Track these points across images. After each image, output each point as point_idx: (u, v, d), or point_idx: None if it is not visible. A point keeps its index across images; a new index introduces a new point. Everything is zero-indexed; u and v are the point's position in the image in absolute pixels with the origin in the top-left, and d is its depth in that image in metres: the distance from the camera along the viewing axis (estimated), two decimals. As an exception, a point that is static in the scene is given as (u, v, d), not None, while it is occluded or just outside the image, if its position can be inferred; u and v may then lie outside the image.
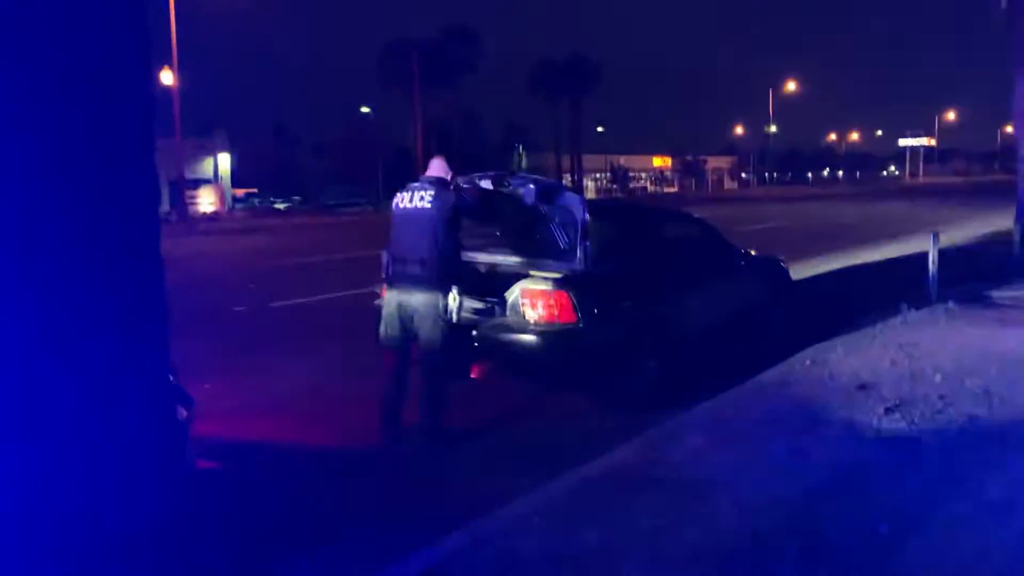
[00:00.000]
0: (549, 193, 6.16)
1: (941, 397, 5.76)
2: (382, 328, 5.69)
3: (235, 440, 5.77)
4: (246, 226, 36.30)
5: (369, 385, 5.95)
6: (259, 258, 19.70)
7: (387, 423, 5.65)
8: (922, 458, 4.71)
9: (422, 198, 5.57)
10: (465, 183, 6.18)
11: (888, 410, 5.51)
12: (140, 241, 3.35)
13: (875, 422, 5.31)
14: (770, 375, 6.60)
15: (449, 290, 5.52)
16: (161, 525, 3.43)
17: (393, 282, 5.59)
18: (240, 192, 58.88)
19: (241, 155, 57.68)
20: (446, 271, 5.51)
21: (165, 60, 35.04)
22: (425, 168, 5.87)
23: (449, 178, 5.77)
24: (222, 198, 50.67)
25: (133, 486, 3.19)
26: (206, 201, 49.12)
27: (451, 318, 5.57)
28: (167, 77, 35.43)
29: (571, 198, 6.15)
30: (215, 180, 52.32)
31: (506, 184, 6.20)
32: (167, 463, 3.56)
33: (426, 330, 5.50)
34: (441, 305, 5.49)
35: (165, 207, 44.96)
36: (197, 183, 49.85)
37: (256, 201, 58.75)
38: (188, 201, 41.15)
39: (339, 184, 61.33)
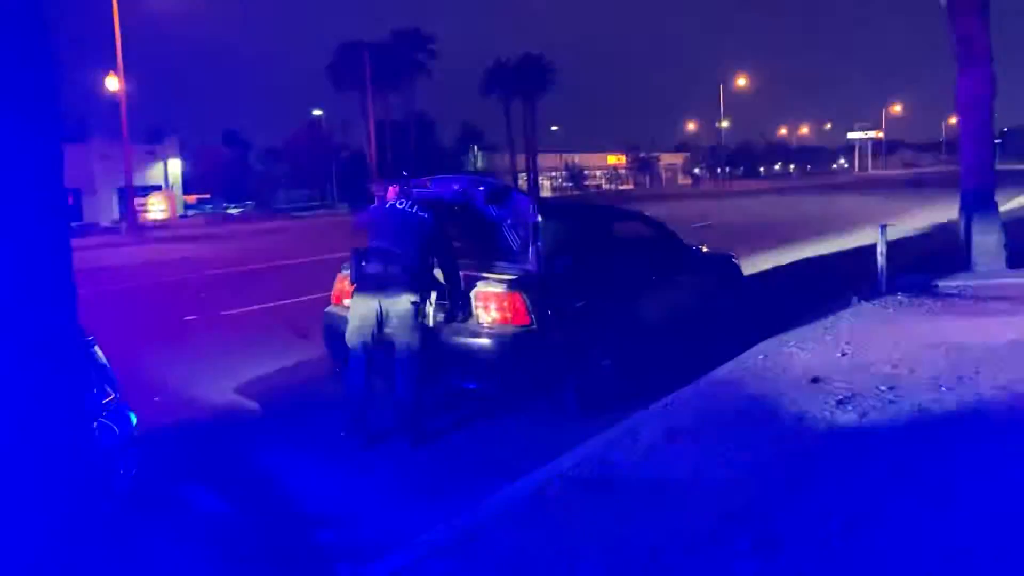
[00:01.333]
0: (499, 195, 6.14)
1: (892, 388, 5.84)
2: (353, 330, 5.61)
3: (185, 450, 5.67)
4: (198, 233, 35.76)
5: (328, 392, 5.89)
6: (210, 266, 19.40)
7: (354, 428, 5.60)
8: (874, 450, 4.76)
9: (412, 207, 5.60)
10: (416, 188, 6.15)
11: (840, 403, 5.57)
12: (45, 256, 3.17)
13: (828, 415, 5.36)
14: (723, 371, 6.64)
15: (428, 295, 5.52)
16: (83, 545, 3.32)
17: (370, 286, 5.52)
18: (192, 198, 58.04)
19: (193, 160, 56.88)
20: (425, 274, 5.52)
21: (110, 65, 34.45)
22: (382, 182, 5.92)
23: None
24: (173, 205, 49.89)
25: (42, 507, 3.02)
26: (157, 208, 48.31)
27: (428, 322, 5.57)
28: (113, 83, 34.81)
29: (521, 200, 6.14)
30: (166, 187, 51.51)
31: (459, 192, 6.19)
32: (86, 481, 3.43)
33: (405, 334, 5.48)
34: (422, 308, 5.48)
35: (115, 215, 44.25)
36: (147, 190, 49.03)
37: (209, 207, 57.97)
38: (138, 209, 40.44)
39: (293, 188, 60.83)
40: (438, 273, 5.94)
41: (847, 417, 5.31)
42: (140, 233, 34.35)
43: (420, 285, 5.53)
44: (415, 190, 6.08)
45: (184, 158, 54.24)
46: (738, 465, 4.58)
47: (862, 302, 9.07)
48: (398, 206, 5.74)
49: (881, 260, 10.01)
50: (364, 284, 5.56)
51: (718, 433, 5.12)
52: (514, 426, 6.07)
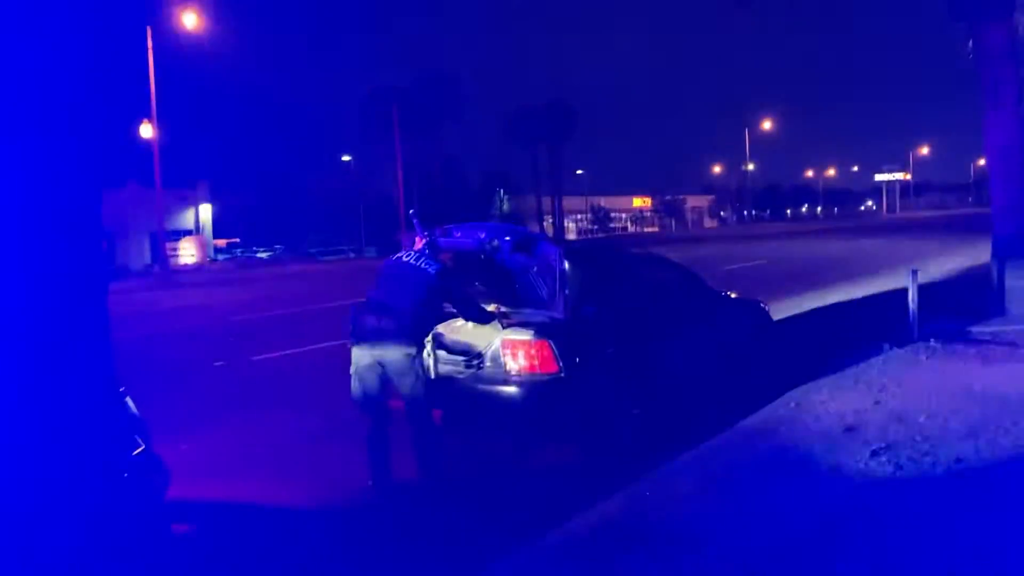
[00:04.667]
0: (525, 244, 6.16)
1: (926, 439, 5.74)
2: (356, 386, 5.61)
3: (216, 502, 5.67)
4: (228, 277, 36.15)
5: (355, 439, 5.88)
6: (240, 310, 19.57)
7: (376, 476, 5.59)
8: (909, 503, 4.67)
9: (427, 263, 5.63)
10: (441, 237, 6.18)
11: (874, 453, 5.47)
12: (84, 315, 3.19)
13: (862, 466, 5.27)
14: (755, 420, 6.56)
15: (423, 345, 5.51)
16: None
17: (364, 338, 5.53)
18: (222, 242, 58.84)
19: (223, 205, 57.69)
20: (420, 328, 5.51)
21: (145, 112, 35.16)
22: (409, 226, 5.95)
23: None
24: (203, 249, 50.54)
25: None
26: (187, 252, 48.99)
27: (429, 373, 5.56)
28: (147, 130, 35.51)
29: (547, 247, 6.15)
30: (197, 231, 52.26)
31: (485, 241, 6.21)
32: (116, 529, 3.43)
33: (407, 386, 5.46)
34: (419, 360, 5.47)
35: (147, 260, 44.92)
36: (179, 234, 49.78)
37: (239, 251, 58.69)
38: (170, 253, 41.01)
39: (321, 232, 61.43)
40: (457, 322, 5.97)
41: (881, 469, 5.22)
42: (170, 277, 34.80)
43: (415, 337, 5.52)
44: (440, 239, 6.10)
45: (215, 203, 55.08)
46: (771, 518, 4.50)
47: (894, 348, 8.95)
48: (403, 259, 5.75)
49: (912, 305, 9.89)
50: (359, 338, 5.55)
51: (750, 485, 5.05)
52: (541, 476, 6.01)
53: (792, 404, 6.91)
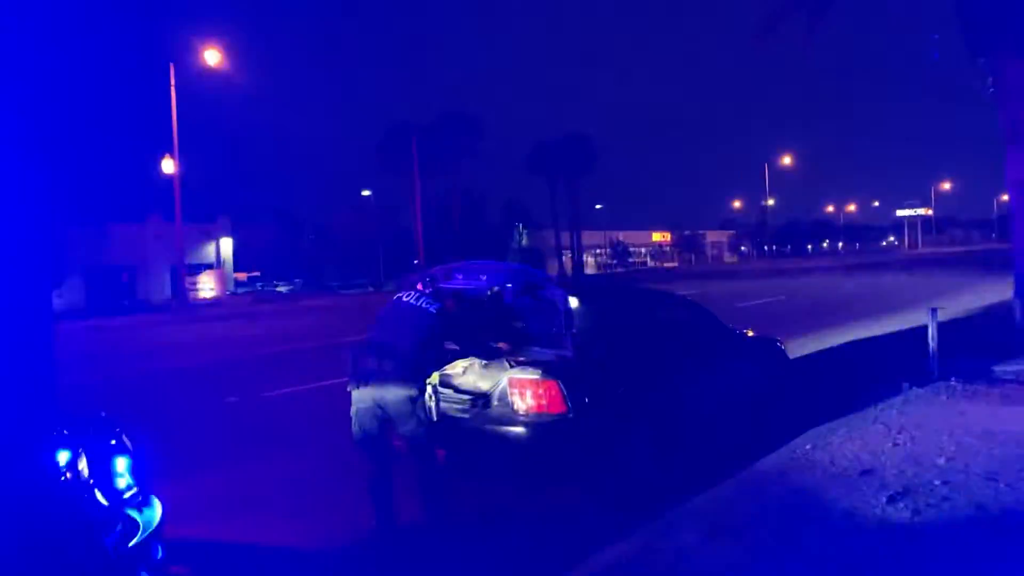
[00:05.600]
0: (529, 288, 6.08)
1: (946, 483, 5.57)
2: (357, 427, 5.52)
3: (217, 542, 5.59)
4: (246, 311, 36.26)
5: (360, 479, 5.79)
6: (257, 344, 19.57)
7: (379, 518, 5.50)
8: (927, 552, 4.52)
9: (427, 302, 5.58)
10: (442, 279, 6.12)
11: (892, 498, 5.32)
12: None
13: (879, 512, 5.12)
14: (769, 462, 6.41)
15: (424, 386, 5.44)
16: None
17: (364, 379, 5.44)
18: (243, 276, 59.14)
19: (244, 239, 58.09)
20: (421, 368, 5.44)
21: (167, 149, 35.59)
22: (414, 275, 5.92)
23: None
24: (223, 283, 50.81)
25: None
26: (207, 286, 49.21)
27: (431, 414, 5.49)
28: (168, 165, 35.92)
29: (553, 289, 6.07)
30: (217, 265, 52.57)
31: (487, 286, 6.15)
32: None
33: (409, 427, 5.37)
34: (420, 402, 5.39)
35: (167, 293, 45.17)
36: (199, 268, 50.08)
37: (259, 285, 59.00)
38: (189, 287, 41.26)
39: (341, 266, 61.70)
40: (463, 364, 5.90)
41: (899, 514, 5.06)
42: (189, 311, 34.93)
43: (416, 378, 5.44)
44: (442, 284, 6.04)
45: (236, 237, 55.44)
46: (784, 567, 4.36)
47: (913, 388, 8.77)
48: (404, 299, 5.70)
49: (932, 344, 9.71)
50: (360, 379, 5.47)
51: (763, 531, 4.90)
52: (549, 518, 5.89)
53: (808, 446, 6.76)
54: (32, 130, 2.98)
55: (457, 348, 5.98)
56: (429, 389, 5.56)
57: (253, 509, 6.29)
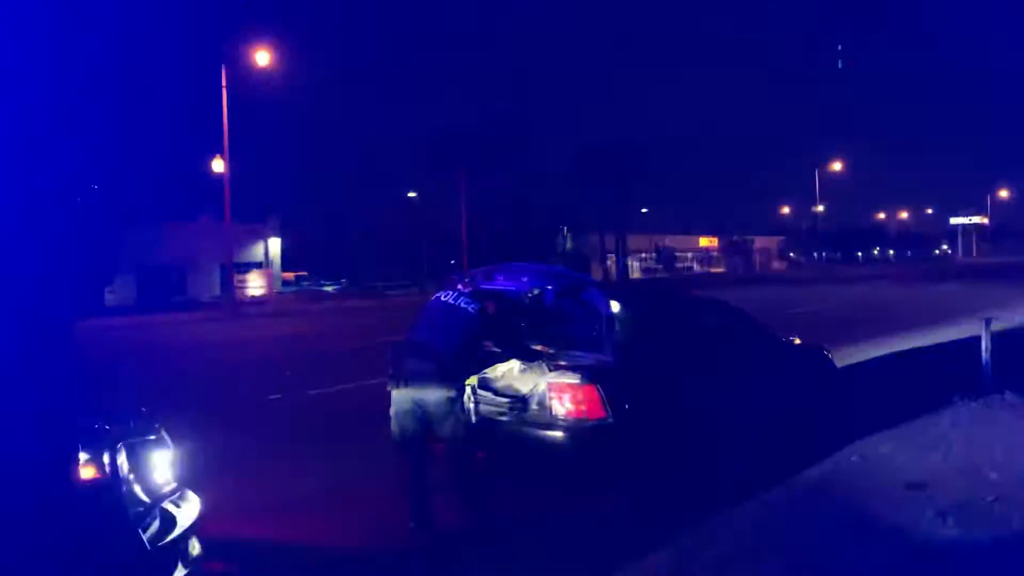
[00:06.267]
0: (571, 290, 6.03)
1: (997, 499, 5.40)
2: (396, 428, 5.52)
3: (255, 539, 5.62)
4: (292, 309, 36.69)
5: (400, 480, 5.79)
6: (302, 343, 19.76)
7: (417, 520, 5.49)
8: (978, 570, 4.37)
9: (466, 302, 5.56)
10: (483, 281, 6.10)
11: (940, 514, 5.16)
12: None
13: (926, 527, 4.97)
14: (813, 473, 6.27)
15: (463, 387, 5.41)
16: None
17: (403, 379, 5.44)
18: (290, 275, 59.85)
19: (292, 239, 58.76)
20: (460, 369, 5.41)
21: (217, 149, 36.14)
22: (454, 276, 5.92)
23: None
24: (271, 282, 51.42)
25: None
26: (255, 285, 49.87)
27: (470, 416, 5.45)
28: (219, 165, 36.46)
29: (595, 292, 6.01)
30: (265, 264, 53.22)
31: (528, 287, 6.12)
32: None
33: (448, 428, 5.35)
34: (458, 403, 5.36)
35: (216, 291, 45.88)
36: (248, 267, 50.76)
37: (306, 283, 59.63)
38: (238, 285, 41.82)
39: (386, 267, 62.13)
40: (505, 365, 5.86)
41: (948, 531, 4.91)
42: (237, 309, 35.37)
43: (456, 379, 5.41)
44: (482, 284, 6.02)
45: (284, 236, 56.10)
46: (825, 582, 4.25)
47: (965, 400, 8.52)
48: (443, 299, 5.68)
49: (986, 355, 9.45)
50: (399, 379, 5.46)
51: (805, 545, 4.79)
52: (585, 525, 5.81)
53: (854, 457, 6.60)
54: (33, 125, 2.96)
55: (497, 350, 5.94)
56: (468, 390, 5.53)
57: (292, 508, 6.31)
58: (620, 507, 6.02)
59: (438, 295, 5.78)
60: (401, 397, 5.44)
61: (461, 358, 5.44)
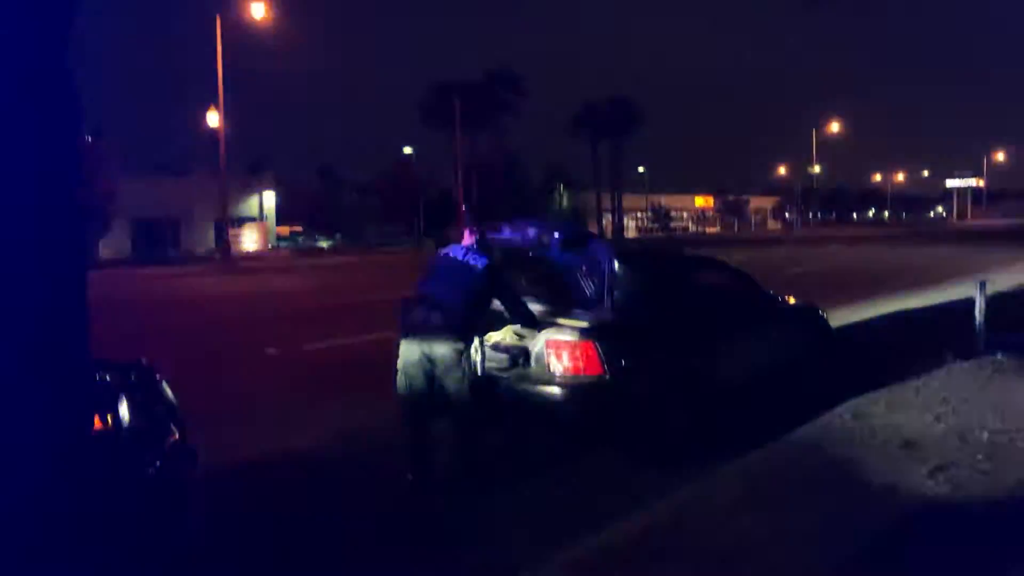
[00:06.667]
0: (575, 241, 6.03)
1: (989, 458, 5.46)
2: (402, 380, 5.55)
3: (253, 487, 5.67)
4: (287, 265, 36.66)
5: (397, 435, 5.83)
6: (296, 297, 19.76)
7: (416, 475, 5.54)
8: (969, 528, 4.43)
9: (474, 259, 5.56)
10: (490, 232, 6.09)
11: (932, 472, 5.22)
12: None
13: (918, 485, 5.03)
14: (807, 431, 6.32)
15: (471, 341, 5.43)
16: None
17: (413, 331, 5.47)
18: (285, 230, 59.71)
19: (287, 194, 58.56)
20: (469, 323, 5.42)
21: (211, 101, 35.81)
22: (463, 219, 5.87)
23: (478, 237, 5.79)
24: (265, 236, 51.33)
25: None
26: (250, 239, 49.80)
27: (476, 370, 5.47)
28: (213, 119, 36.16)
29: (598, 246, 6.02)
30: (260, 219, 53.05)
31: (534, 237, 6.11)
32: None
33: (453, 382, 5.38)
34: (465, 356, 5.39)
35: (211, 245, 45.80)
36: (242, 222, 50.61)
37: (300, 239, 59.51)
38: (232, 239, 41.76)
39: (381, 223, 62.02)
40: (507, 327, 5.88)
41: (939, 489, 4.97)
42: (231, 263, 35.33)
43: (464, 333, 5.43)
44: (489, 234, 6.01)
45: (278, 191, 55.90)
46: (819, 538, 4.31)
47: (958, 361, 8.58)
48: (451, 254, 5.68)
49: (979, 317, 9.49)
50: (408, 331, 5.49)
51: (798, 501, 4.85)
52: (582, 479, 5.87)
53: (848, 416, 6.66)
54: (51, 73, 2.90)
55: (502, 311, 5.94)
56: (476, 343, 5.54)
57: (289, 457, 6.37)
58: (617, 462, 6.08)
59: (446, 250, 5.77)
60: (410, 349, 5.47)
61: (470, 312, 5.46)
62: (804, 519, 4.55)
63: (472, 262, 5.58)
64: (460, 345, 5.38)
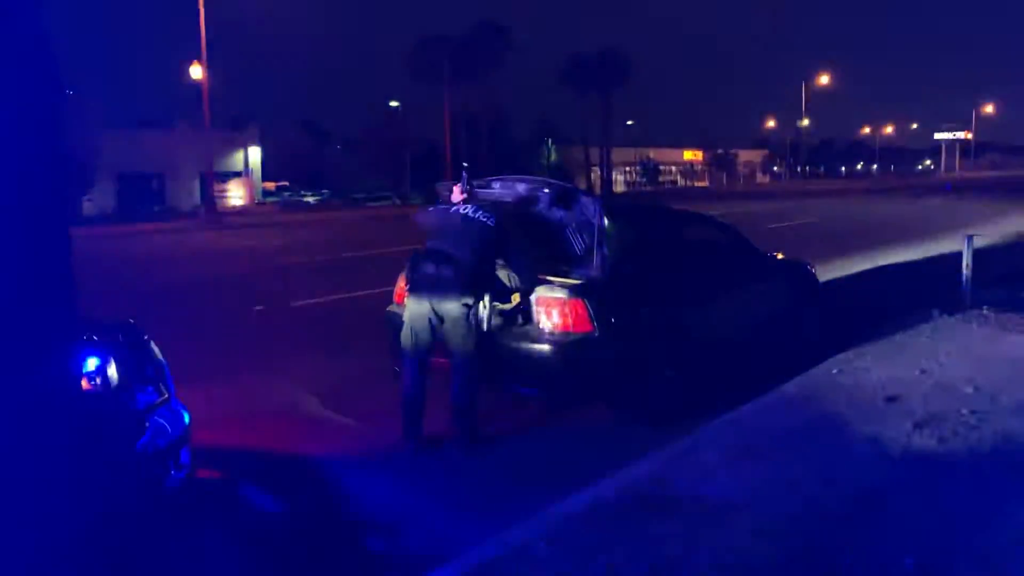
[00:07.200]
0: (565, 197, 6.00)
1: (973, 412, 5.52)
2: (408, 334, 5.54)
3: (243, 447, 5.69)
4: (273, 220, 36.40)
5: (386, 391, 5.84)
6: (283, 254, 19.67)
7: (409, 432, 5.55)
8: (953, 481, 4.49)
9: (485, 216, 5.55)
10: (479, 189, 6.05)
11: (917, 425, 5.29)
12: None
13: (904, 439, 5.09)
14: (794, 386, 6.38)
15: (482, 298, 5.43)
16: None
17: (422, 286, 5.46)
18: (271, 185, 59.15)
19: (272, 148, 57.88)
20: (478, 279, 5.42)
21: (195, 55, 35.26)
22: (452, 176, 5.83)
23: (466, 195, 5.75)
24: (251, 191, 50.89)
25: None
26: (235, 195, 49.36)
27: (483, 326, 5.47)
28: (196, 71, 35.63)
29: (587, 203, 5.98)
30: (245, 174, 52.51)
31: (523, 195, 6.07)
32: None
33: (460, 338, 5.39)
34: (474, 312, 5.39)
35: (196, 201, 45.35)
36: (227, 176, 50.07)
37: (286, 194, 59.01)
38: (217, 195, 41.34)
39: (368, 177, 61.49)
40: (508, 276, 5.85)
41: (924, 442, 5.03)
42: (217, 219, 35.00)
43: (473, 289, 5.42)
44: (478, 190, 5.97)
45: (264, 146, 55.25)
46: (805, 491, 4.36)
47: (944, 316, 8.65)
48: (461, 211, 5.63)
49: (966, 271, 9.54)
50: (417, 286, 5.48)
51: (785, 454, 4.90)
52: (572, 435, 5.93)
53: (835, 370, 6.72)
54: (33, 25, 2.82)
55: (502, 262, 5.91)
56: (486, 299, 5.52)
57: (280, 416, 6.38)
58: (607, 418, 6.13)
59: (455, 205, 5.72)
60: (418, 304, 5.46)
61: (479, 269, 5.44)
62: (790, 472, 4.60)
63: (483, 219, 5.55)
64: (469, 300, 5.39)
